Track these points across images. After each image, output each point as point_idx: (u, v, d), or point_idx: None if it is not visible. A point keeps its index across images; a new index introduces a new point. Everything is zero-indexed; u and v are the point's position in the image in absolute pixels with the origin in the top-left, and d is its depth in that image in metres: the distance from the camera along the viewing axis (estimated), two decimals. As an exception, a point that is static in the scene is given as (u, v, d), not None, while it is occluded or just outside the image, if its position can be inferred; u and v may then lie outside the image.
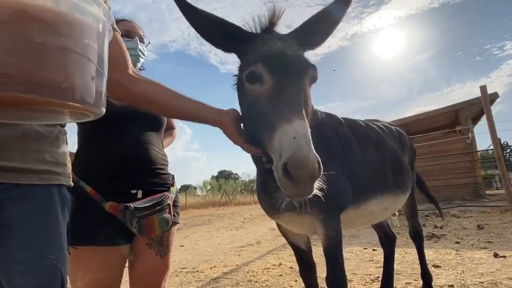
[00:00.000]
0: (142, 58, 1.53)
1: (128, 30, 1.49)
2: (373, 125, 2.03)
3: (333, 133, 1.58)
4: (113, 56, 0.81)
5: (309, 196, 0.84)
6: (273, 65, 0.97)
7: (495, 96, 9.91)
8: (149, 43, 1.58)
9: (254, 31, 1.13)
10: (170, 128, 1.74)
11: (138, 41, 1.50)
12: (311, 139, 0.82)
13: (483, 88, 7.89)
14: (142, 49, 1.52)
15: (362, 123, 1.94)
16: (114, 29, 0.91)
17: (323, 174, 0.83)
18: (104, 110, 0.55)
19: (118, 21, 1.51)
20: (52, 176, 0.69)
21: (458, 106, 10.73)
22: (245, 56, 1.08)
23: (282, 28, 1.18)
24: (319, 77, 1.04)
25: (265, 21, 1.12)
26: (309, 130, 0.86)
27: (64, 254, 0.70)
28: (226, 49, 1.15)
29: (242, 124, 1.10)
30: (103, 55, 0.54)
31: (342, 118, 1.77)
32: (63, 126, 0.78)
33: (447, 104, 11.22)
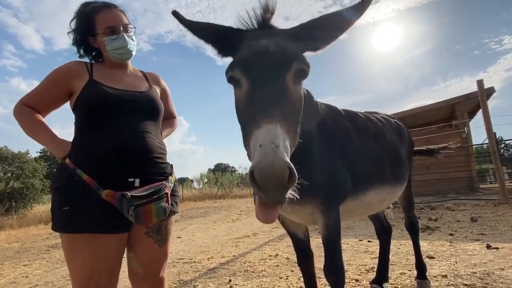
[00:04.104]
0: (133, 52, 1.45)
1: (111, 27, 1.36)
2: (372, 117, 2.03)
3: (333, 124, 1.57)
4: None
5: (282, 205, 0.79)
6: (249, 68, 0.94)
7: (491, 90, 9.96)
8: (135, 27, 1.46)
9: (247, 27, 1.10)
10: (170, 118, 1.71)
11: (125, 35, 1.39)
12: (281, 144, 0.76)
13: (479, 83, 7.91)
14: (131, 43, 1.42)
15: (361, 115, 1.94)
16: None
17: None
18: None
19: (95, 12, 1.37)
20: None
21: (454, 101, 10.78)
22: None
23: (280, 20, 1.13)
24: (309, 69, 0.98)
25: (258, 17, 1.08)
26: (281, 133, 0.80)
27: None
28: (223, 53, 1.13)
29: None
30: None
31: (342, 109, 1.77)
32: None
33: (444, 99, 11.26)
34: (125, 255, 1.34)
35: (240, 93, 0.98)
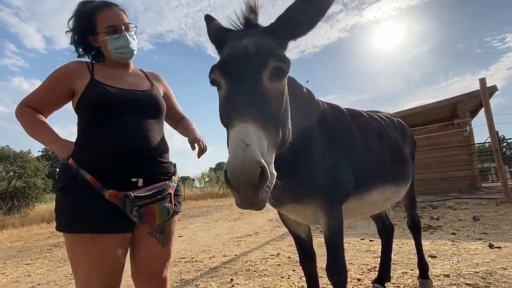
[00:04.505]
0: (135, 51, 1.44)
1: (113, 26, 1.35)
2: (375, 116, 2.02)
3: (336, 123, 1.57)
4: None
5: (259, 207, 0.79)
6: (226, 70, 0.96)
7: (494, 89, 9.91)
8: (136, 27, 1.46)
9: (236, 28, 1.13)
10: (180, 118, 1.65)
11: (127, 34, 1.38)
12: (252, 143, 0.76)
13: (482, 81, 7.87)
14: (133, 42, 1.41)
15: (364, 114, 1.93)
16: None
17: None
18: None
19: (96, 11, 1.37)
20: None
21: (456, 99, 10.74)
22: None
23: (274, 16, 1.17)
24: (287, 65, 0.98)
25: (242, 18, 1.10)
26: (254, 132, 0.80)
27: None
28: (219, 53, 1.15)
29: None
30: None
31: (345, 108, 1.76)
32: None
33: (446, 98, 11.22)
34: (128, 254, 1.34)
35: (221, 95, 1.00)
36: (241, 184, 0.74)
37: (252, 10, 1.09)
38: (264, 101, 0.91)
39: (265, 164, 0.75)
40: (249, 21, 1.10)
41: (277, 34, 1.05)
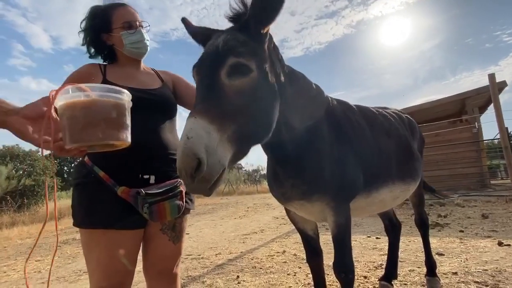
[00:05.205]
0: (148, 48, 1.48)
1: (128, 22, 1.41)
2: (384, 112, 2.00)
3: (344, 120, 1.55)
4: None
5: (204, 194, 0.87)
6: (196, 69, 1.04)
7: (503, 84, 9.72)
8: (149, 25, 1.50)
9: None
10: None
11: (142, 30, 1.43)
12: (194, 135, 0.82)
13: (491, 77, 7.71)
14: (147, 38, 1.46)
15: (374, 110, 1.91)
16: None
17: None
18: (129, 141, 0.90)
19: (112, 8, 1.42)
20: None
21: (465, 95, 10.56)
22: None
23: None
24: (249, 61, 0.99)
25: (227, 15, 1.12)
26: (200, 126, 0.85)
27: None
28: None
29: None
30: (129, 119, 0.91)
31: (353, 105, 1.74)
32: None
33: (454, 93, 11.04)
34: (140, 250, 1.36)
35: None
36: (181, 173, 0.83)
37: (243, 4, 1.09)
38: (218, 97, 0.94)
39: (203, 156, 0.81)
40: (232, 18, 1.11)
41: (250, 25, 1.05)
